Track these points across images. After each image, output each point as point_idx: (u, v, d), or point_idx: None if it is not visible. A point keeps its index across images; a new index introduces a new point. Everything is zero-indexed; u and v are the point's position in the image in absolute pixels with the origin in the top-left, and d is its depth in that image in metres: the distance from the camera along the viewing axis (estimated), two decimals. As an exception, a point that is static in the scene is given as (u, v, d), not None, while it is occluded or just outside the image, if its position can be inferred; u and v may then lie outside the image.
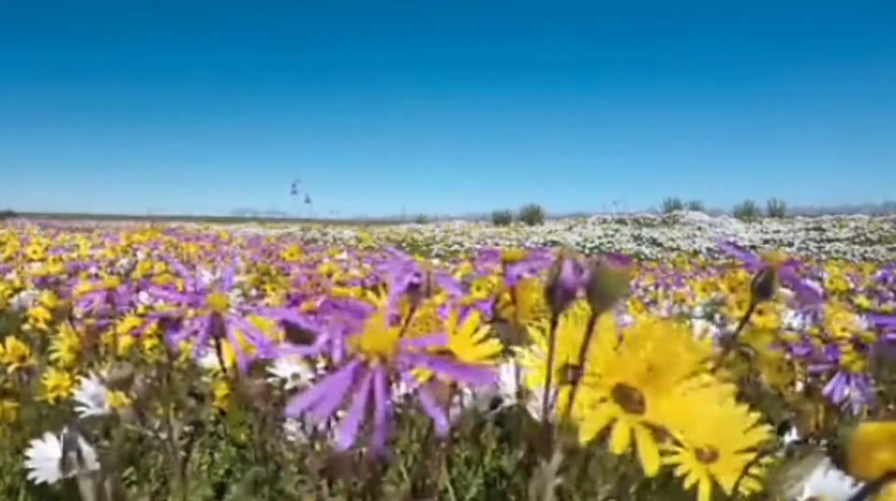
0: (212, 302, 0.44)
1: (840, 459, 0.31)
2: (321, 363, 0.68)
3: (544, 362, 0.40)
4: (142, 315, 1.07)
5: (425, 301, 0.48)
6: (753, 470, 0.44)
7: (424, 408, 0.25)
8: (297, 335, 0.37)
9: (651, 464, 0.29)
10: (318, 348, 0.33)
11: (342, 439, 0.23)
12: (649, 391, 0.36)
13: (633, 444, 0.31)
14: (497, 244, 11.25)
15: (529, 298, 0.57)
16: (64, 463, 0.24)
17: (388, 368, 0.26)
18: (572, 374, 0.37)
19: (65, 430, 0.61)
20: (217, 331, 0.44)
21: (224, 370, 0.50)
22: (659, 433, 0.33)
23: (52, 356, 1.14)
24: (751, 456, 0.44)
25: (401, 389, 0.51)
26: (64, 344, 1.13)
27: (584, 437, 0.30)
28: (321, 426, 0.72)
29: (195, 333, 0.45)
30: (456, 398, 0.70)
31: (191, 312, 0.73)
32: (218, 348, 0.48)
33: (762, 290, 0.48)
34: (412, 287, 0.43)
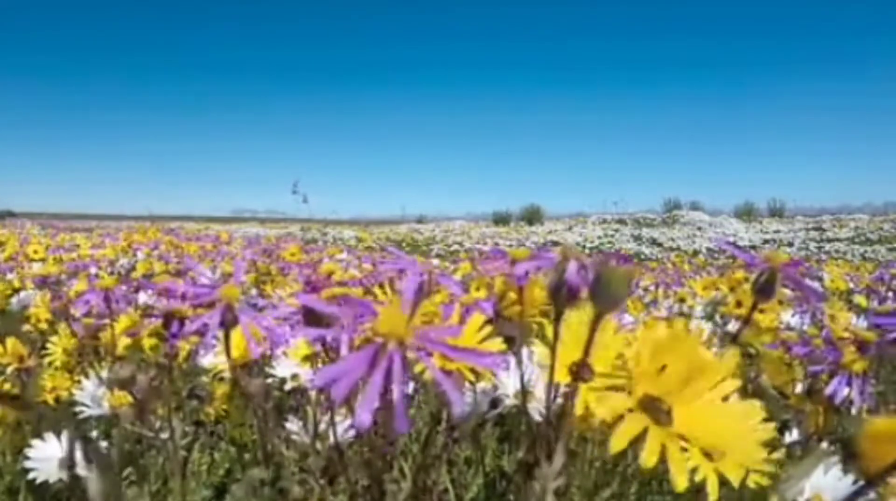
0: (225, 294, 0.45)
1: (848, 455, 0.31)
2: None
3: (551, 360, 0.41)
4: (142, 315, 1.07)
5: (426, 301, 0.48)
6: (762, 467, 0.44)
7: (442, 389, 0.25)
8: (316, 320, 0.37)
9: (681, 480, 0.29)
10: (336, 331, 0.33)
11: (362, 416, 0.23)
12: (673, 401, 0.36)
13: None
14: (497, 244, 11.25)
15: (536, 295, 0.57)
16: (70, 462, 0.24)
17: (405, 351, 0.26)
18: (578, 374, 0.37)
19: (66, 430, 0.61)
20: (229, 322, 0.45)
21: (230, 358, 0.50)
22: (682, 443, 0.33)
23: (47, 359, 1.14)
24: (757, 454, 0.44)
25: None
26: (58, 347, 1.13)
27: (615, 448, 0.30)
28: (322, 427, 0.72)
29: (204, 327, 0.45)
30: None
31: (190, 311, 0.73)
32: (226, 340, 0.49)
33: (763, 290, 0.48)
34: (419, 286, 0.44)
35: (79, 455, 0.22)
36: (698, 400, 0.36)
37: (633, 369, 0.36)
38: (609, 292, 0.35)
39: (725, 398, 0.38)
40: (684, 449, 0.44)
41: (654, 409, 0.35)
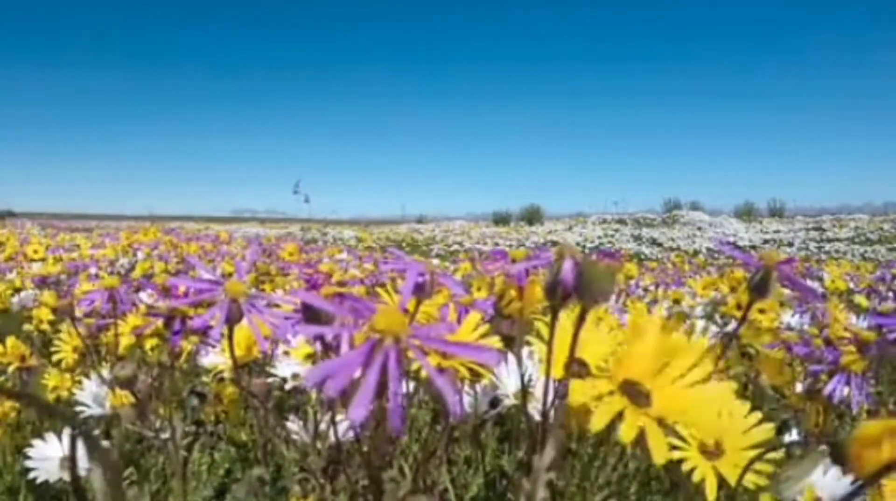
0: (230, 288, 0.45)
1: (841, 458, 0.32)
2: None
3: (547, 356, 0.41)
4: (145, 314, 1.07)
5: (428, 301, 0.49)
6: (758, 467, 0.44)
7: (439, 390, 0.25)
8: (316, 317, 0.37)
9: (659, 455, 0.30)
10: (337, 328, 0.34)
11: (356, 412, 0.23)
12: (653, 384, 0.37)
13: (640, 436, 0.32)
14: (497, 244, 11.26)
15: (535, 294, 0.58)
16: (72, 459, 0.24)
17: (402, 348, 0.26)
18: (569, 368, 0.38)
19: (67, 428, 0.61)
20: (234, 317, 0.44)
21: (233, 356, 0.50)
22: (664, 426, 0.34)
23: (56, 358, 1.14)
24: (754, 453, 0.44)
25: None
26: (68, 345, 1.13)
27: (594, 428, 0.31)
28: (322, 426, 0.73)
29: (207, 325, 0.45)
30: (457, 398, 0.70)
31: (192, 310, 0.73)
32: (230, 337, 0.49)
33: (759, 289, 0.48)
34: (418, 286, 0.44)
35: (81, 452, 0.21)
36: (675, 383, 0.37)
37: (615, 355, 0.38)
38: (592, 287, 0.36)
39: (705, 381, 0.39)
40: (679, 438, 0.44)
41: (634, 392, 0.36)
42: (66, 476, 0.75)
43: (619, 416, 0.32)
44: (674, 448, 0.45)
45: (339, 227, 15.41)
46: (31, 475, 0.76)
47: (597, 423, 0.31)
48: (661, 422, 0.33)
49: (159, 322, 0.68)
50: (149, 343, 1.13)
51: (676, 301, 2.33)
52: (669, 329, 0.37)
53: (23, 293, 1.88)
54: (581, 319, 0.37)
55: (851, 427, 0.32)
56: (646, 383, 0.37)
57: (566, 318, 0.49)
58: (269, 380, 0.89)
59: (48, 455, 0.79)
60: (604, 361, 0.45)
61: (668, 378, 0.37)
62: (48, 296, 1.28)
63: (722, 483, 0.47)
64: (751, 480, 0.45)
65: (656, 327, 0.37)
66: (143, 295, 1.61)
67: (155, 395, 0.79)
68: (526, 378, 0.60)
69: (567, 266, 0.37)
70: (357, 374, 0.25)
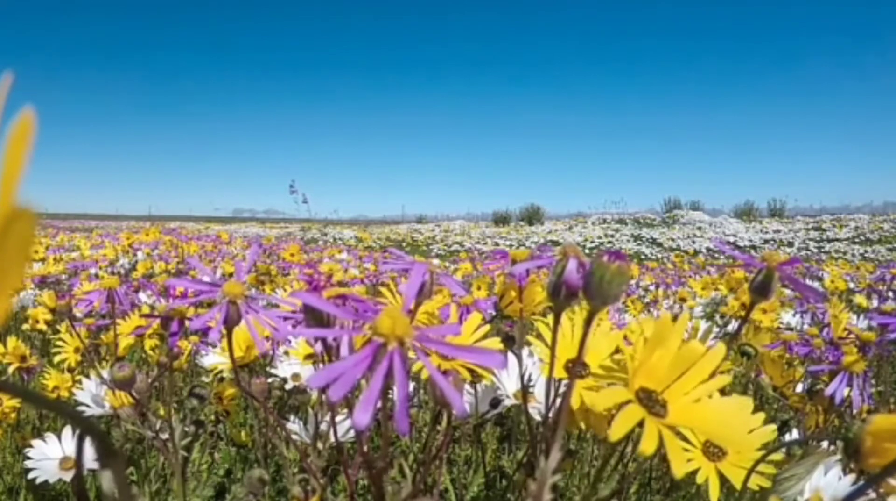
0: (228, 290, 0.44)
1: (852, 453, 0.31)
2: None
3: (550, 356, 0.41)
4: (144, 315, 1.07)
5: (428, 301, 0.48)
6: (760, 468, 0.44)
7: (443, 392, 0.25)
8: (318, 319, 0.37)
9: (679, 468, 0.28)
10: (338, 330, 0.33)
11: (360, 417, 0.23)
12: (669, 393, 0.35)
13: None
14: (497, 244, 11.25)
15: (536, 294, 0.57)
16: (78, 457, 0.24)
17: (406, 351, 0.26)
18: (573, 369, 0.37)
19: (73, 425, 0.61)
20: (233, 319, 0.44)
21: (232, 357, 0.50)
22: (677, 434, 0.32)
23: (57, 358, 1.14)
24: (756, 455, 0.44)
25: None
26: (70, 346, 1.13)
27: (614, 437, 0.29)
28: (323, 427, 0.72)
29: (207, 327, 0.44)
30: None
31: (191, 311, 0.73)
32: (229, 338, 0.48)
33: (760, 290, 0.48)
34: (422, 287, 0.44)
35: (88, 449, 0.21)
36: (692, 393, 0.36)
37: (629, 363, 0.36)
38: (602, 289, 0.35)
39: (721, 392, 0.38)
40: (686, 443, 0.44)
41: (650, 401, 0.35)
42: (66, 477, 0.75)
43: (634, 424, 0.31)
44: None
45: (339, 227, 15.40)
46: (31, 475, 0.76)
47: (615, 433, 0.29)
48: (673, 428, 0.32)
49: (157, 323, 0.68)
50: (148, 344, 1.13)
51: (683, 299, 2.33)
52: (682, 336, 0.36)
53: (22, 293, 1.87)
54: (589, 321, 0.36)
55: (861, 423, 0.31)
56: (662, 391, 0.35)
57: (566, 319, 0.49)
58: (270, 380, 0.89)
59: (48, 455, 0.78)
60: (607, 362, 0.45)
61: (685, 387, 0.36)
62: (46, 296, 1.28)
63: (722, 482, 0.47)
64: (752, 481, 0.45)
65: (679, 335, 0.35)
66: (142, 295, 1.61)
67: (155, 395, 0.78)
68: (526, 378, 0.60)
69: (571, 266, 0.37)
70: (360, 378, 0.25)
